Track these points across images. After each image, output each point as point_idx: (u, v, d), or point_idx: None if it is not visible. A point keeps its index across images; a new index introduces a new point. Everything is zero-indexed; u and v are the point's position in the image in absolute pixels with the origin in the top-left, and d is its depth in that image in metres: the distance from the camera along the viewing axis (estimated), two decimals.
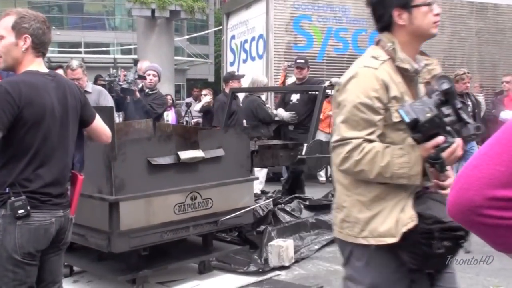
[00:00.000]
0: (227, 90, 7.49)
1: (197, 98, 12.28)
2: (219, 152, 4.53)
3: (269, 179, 9.34)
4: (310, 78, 7.47)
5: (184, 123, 11.02)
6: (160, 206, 4.19)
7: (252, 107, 7.49)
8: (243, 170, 4.76)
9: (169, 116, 10.87)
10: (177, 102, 16.53)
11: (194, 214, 4.38)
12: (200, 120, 11.06)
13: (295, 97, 7.35)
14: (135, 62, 6.25)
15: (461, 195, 1.14)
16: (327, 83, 6.80)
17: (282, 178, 9.23)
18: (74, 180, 2.84)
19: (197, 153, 4.38)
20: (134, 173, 4.06)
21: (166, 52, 15.57)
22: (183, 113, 11.78)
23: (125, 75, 5.99)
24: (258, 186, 7.65)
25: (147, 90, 6.25)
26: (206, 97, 10.58)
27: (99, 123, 2.96)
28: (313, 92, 6.70)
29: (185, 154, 4.28)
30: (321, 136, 8.02)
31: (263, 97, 8.35)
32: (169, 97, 11.13)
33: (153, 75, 6.30)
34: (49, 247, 2.74)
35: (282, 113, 7.24)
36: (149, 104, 6.03)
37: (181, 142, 4.70)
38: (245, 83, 8.31)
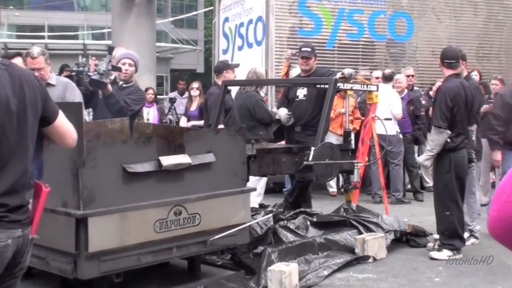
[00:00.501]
0: (219, 83, 7.47)
1: (183, 93, 12.14)
2: (209, 157, 4.53)
3: (269, 190, 9.34)
4: (318, 68, 7.41)
5: (168, 122, 10.91)
6: (137, 222, 4.16)
7: (249, 104, 7.52)
8: (238, 180, 4.77)
9: (150, 114, 10.77)
10: (160, 97, 16.32)
11: (179, 232, 4.37)
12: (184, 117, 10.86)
13: (301, 93, 7.29)
14: (110, 49, 6.18)
15: (506, 210, 1.11)
16: (338, 75, 6.77)
17: (284, 189, 9.30)
18: (37, 193, 2.75)
19: (183, 159, 4.37)
20: (107, 182, 4.03)
21: (146, 37, 15.52)
22: (166, 110, 11.65)
23: (96, 65, 5.95)
24: (255, 198, 7.76)
25: (120, 82, 6.19)
26: (196, 99, 10.26)
27: (62, 122, 2.86)
28: (322, 86, 6.67)
29: (168, 160, 4.28)
30: (331, 139, 8.06)
31: (262, 92, 8.32)
32: (150, 91, 11.02)
33: (129, 64, 6.23)
34: (2, 274, 2.67)
35: (280, 112, 7.25)
36: (123, 99, 5.95)
37: (164, 145, 4.68)
38: (240, 74, 8.25)
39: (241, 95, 7.74)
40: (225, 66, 7.82)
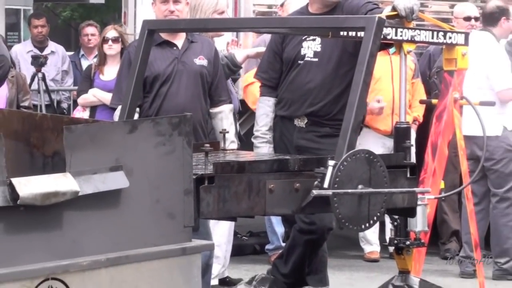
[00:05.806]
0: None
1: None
2: (117, 180, 3.20)
3: (241, 250, 7.30)
4: None
5: (30, 106, 7.75)
6: None
7: None
8: (176, 226, 3.47)
9: None
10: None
11: None
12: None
13: (309, 48, 5.54)
14: None
15: None
16: (386, 11, 4.80)
17: (268, 248, 7.31)
18: None
19: (61, 183, 3.04)
20: None
21: None
22: (27, 81, 8.35)
23: None
24: (214, 267, 5.84)
25: None
26: (115, 60, 7.11)
27: None
28: (353, 34, 4.92)
29: (29, 186, 3.00)
30: (371, 142, 6.54)
31: (219, 42, 6.09)
32: None
33: None
34: None
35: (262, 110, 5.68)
36: None
37: (23, 154, 3.68)
38: None
39: None
40: None
